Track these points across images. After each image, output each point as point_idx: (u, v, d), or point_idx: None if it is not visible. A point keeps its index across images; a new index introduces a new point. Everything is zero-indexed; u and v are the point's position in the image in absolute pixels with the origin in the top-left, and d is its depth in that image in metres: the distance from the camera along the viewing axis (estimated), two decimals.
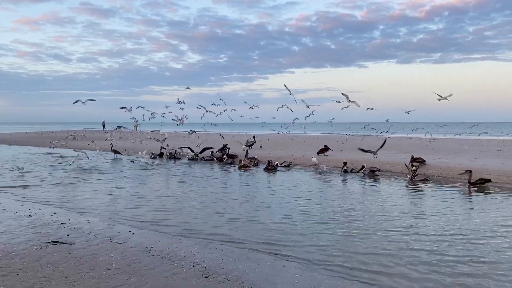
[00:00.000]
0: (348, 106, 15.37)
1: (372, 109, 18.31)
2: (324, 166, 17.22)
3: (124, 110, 19.16)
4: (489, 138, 35.35)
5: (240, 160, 19.31)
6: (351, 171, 16.11)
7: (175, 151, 23.47)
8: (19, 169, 15.97)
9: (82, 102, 17.18)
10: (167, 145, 23.96)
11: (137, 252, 6.36)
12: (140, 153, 21.97)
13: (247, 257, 6.21)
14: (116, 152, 23.53)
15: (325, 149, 20.34)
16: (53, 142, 26.11)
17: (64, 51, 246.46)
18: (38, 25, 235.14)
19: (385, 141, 16.50)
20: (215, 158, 21.27)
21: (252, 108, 21.67)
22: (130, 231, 7.62)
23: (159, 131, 26.10)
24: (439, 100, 12.65)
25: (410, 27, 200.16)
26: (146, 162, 19.01)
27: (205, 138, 25.61)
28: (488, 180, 12.55)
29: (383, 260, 6.01)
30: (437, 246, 6.68)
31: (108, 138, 26.03)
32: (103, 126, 55.79)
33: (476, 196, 11.26)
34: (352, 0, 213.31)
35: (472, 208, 9.61)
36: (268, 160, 18.12)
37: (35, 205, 9.89)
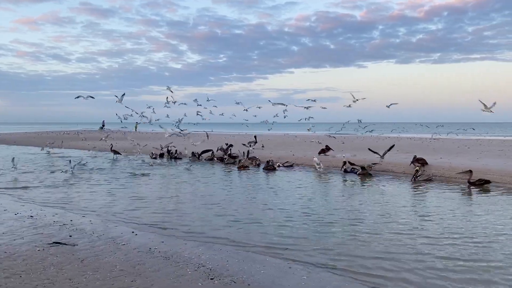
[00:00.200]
0: (350, 105, 15.35)
1: (396, 103, 18.03)
2: (321, 165, 17.26)
3: (116, 101, 18.86)
4: (489, 138, 35.38)
5: (240, 160, 19.29)
6: (351, 171, 16.06)
7: (176, 151, 23.39)
8: (13, 165, 15.97)
9: (84, 98, 17.35)
10: (169, 145, 23.87)
11: (141, 253, 6.29)
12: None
13: (252, 259, 6.14)
14: (115, 152, 23.42)
15: (327, 149, 20.27)
16: (48, 143, 26.21)
17: (64, 51, 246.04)
18: (38, 25, 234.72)
19: (393, 145, 16.35)
20: (215, 158, 21.21)
21: (247, 110, 21.88)
22: (133, 232, 7.55)
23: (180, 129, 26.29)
24: (483, 111, 12.32)
25: (409, 27, 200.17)
26: (146, 162, 18.95)
27: (203, 138, 25.44)
28: (488, 181, 12.53)
29: (390, 264, 5.91)
30: (443, 249, 6.57)
31: (102, 139, 26.02)
32: (103, 126, 55.70)
33: (480, 196, 11.19)
34: (352, 0, 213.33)
35: (477, 209, 9.51)
36: (267, 160, 18.12)
37: (36, 206, 9.82)
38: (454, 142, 28.16)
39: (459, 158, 17.33)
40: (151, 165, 18.36)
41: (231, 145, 22.76)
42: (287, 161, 18.64)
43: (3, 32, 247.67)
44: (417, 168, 14.34)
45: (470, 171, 12.88)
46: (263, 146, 25.14)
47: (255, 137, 23.95)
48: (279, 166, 17.84)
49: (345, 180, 14.44)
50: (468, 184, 12.65)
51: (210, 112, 22.48)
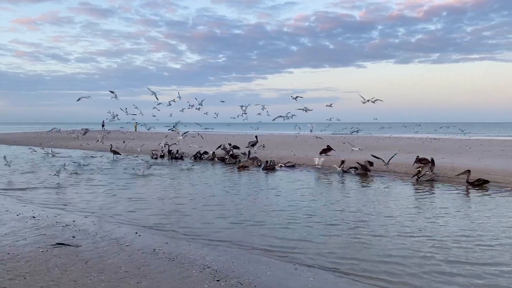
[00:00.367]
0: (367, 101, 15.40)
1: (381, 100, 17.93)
2: (320, 165, 17.37)
3: (111, 97, 18.76)
4: (489, 138, 35.38)
5: (239, 160, 19.28)
6: (348, 170, 16.08)
7: (177, 151, 23.33)
8: (6, 163, 15.97)
9: (86, 98, 17.33)
10: (163, 147, 23.84)
11: (145, 254, 6.24)
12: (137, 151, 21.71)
13: (257, 260, 6.09)
14: (115, 152, 23.35)
15: (328, 149, 20.24)
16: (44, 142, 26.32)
17: (63, 51, 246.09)
18: (37, 25, 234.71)
19: (395, 154, 16.25)
20: (216, 158, 21.16)
21: (241, 116, 22.06)
22: (136, 233, 7.51)
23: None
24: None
25: (409, 27, 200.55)
26: (147, 161, 18.86)
27: (201, 139, 25.46)
28: (487, 181, 12.53)
29: (395, 267, 5.81)
30: (450, 252, 6.49)
31: (99, 140, 25.98)
32: (103, 126, 55.57)
33: (485, 197, 11.13)
34: (351, 0, 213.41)
35: (483, 211, 9.42)
36: (266, 160, 18.14)
37: (38, 207, 9.76)
38: (455, 142, 28.16)
39: (461, 159, 17.30)
40: (148, 166, 17.88)
41: (235, 146, 22.67)
42: (289, 161, 18.60)
43: (2, 32, 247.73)
44: (420, 168, 14.30)
45: (468, 171, 12.88)
46: (263, 146, 25.09)
47: (256, 137, 23.87)
48: (281, 166, 17.82)
49: (348, 181, 14.39)
50: (466, 184, 12.65)
51: (201, 110, 22.62)
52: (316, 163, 17.71)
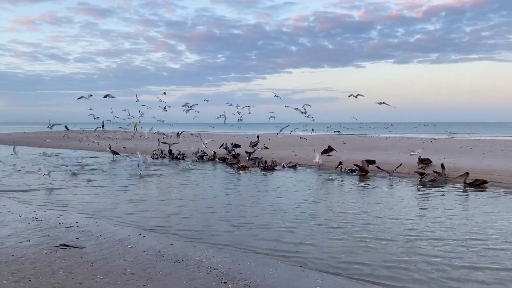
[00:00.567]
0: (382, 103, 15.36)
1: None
2: (321, 161, 17.39)
3: (107, 97, 18.67)
4: (490, 138, 35.37)
5: (239, 161, 19.27)
6: (346, 170, 16.08)
7: (179, 151, 23.25)
8: (14, 152, 15.96)
9: (86, 98, 17.36)
10: (159, 147, 23.85)
11: (151, 256, 6.18)
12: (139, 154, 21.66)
13: (264, 262, 6.03)
14: (114, 152, 23.26)
15: (329, 149, 20.16)
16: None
17: (62, 51, 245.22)
18: (36, 25, 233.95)
19: (400, 164, 16.07)
20: (217, 158, 21.10)
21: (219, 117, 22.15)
22: (140, 234, 7.45)
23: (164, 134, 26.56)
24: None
25: (408, 27, 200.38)
26: (144, 162, 18.84)
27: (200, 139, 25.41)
28: (485, 182, 12.59)
29: (400, 271, 5.74)
30: (458, 255, 6.37)
31: (95, 141, 25.90)
32: (102, 126, 55.47)
33: (489, 197, 11.09)
34: (350, 0, 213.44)
35: (488, 212, 9.34)
36: (265, 160, 18.11)
37: (40, 207, 9.69)
38: (455, 142, 28.12)
39: (463, 159, 17.26)
40: (143, 166, 17.72)
41: (236, 145, 22.65)
42: (290, 162, 18.56)
43: (1, 32, 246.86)
44: (422, 169, 14.27)
45: (467, 173, 12.98)
46: (266, 147, 25.03)
47: (257, 137, 23.81)
48: (283, 166, 17.82)
49: (349, 181, 14.34)
50: (464, 184, 12.68)
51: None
52: (317, 163, 17.66)
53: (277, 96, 19.54)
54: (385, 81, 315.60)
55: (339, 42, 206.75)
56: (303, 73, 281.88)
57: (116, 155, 23.16)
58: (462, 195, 11.46)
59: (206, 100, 25.72)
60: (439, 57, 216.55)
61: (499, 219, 8.65)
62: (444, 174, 13.98)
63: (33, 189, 12.31)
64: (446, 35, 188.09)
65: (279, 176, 15.46)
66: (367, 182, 13.98)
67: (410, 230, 7.76)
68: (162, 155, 23.38)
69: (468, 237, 7.28)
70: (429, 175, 13.78)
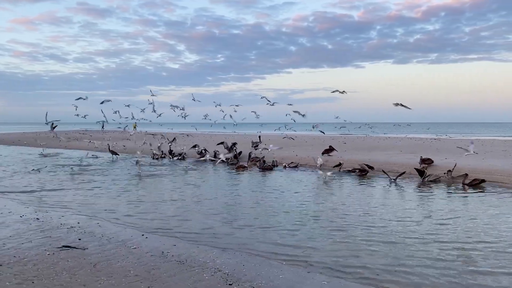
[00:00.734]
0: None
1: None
2: (321, 161, 17.37)
3: (104, 103, 18.55)
4: (489, 138, 35.36)
5: (238, 161, 19.24)
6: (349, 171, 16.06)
7: (181, 153, 23.16)
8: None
9: (83, 99, 17.39)
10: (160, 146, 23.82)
11: (154, 257, 6.13)
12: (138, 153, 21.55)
13: (268, 263, 5.98)
14: (113, 153, 23.19)
15: (330, 149, 20.13)
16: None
17: (61, 51, 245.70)
18: (35, 25, 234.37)
19: (403, 172, 15.96)
20: (217, 159, 21.01)
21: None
22: (143, 235, 7.39)
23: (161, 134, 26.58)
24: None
25: (407, 27, 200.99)
26: (140, 163, 18.79)
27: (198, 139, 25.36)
28: (483, 180, 12.65)
29: (407, 273, 5.69)
30: (464, 258, 6.28)
31: (91, 141, 25.92)
32: (103, 126, 55.37)
33: (491, 198, 11.04)
34: (349, 0, 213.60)
35: (492, 212, 9.32)
36: (264, 160, 18.29)
37: (41, 208, 9.63)
38: (456, 142, 28.05)
39: (464, 159, 17.20)
40: (140, 168, 17.45)
41: (234, 144, 22.63)
42: (291, 162, 18.52)
43: (0, 32, 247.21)
44: (423, 169, 14.22)
45: (466, 174, 13.09)
46: (266, 148, 24.96)
47: (259, 137, 23.79)
48: (285, 167, 17.81)
49: (350, 182, 14.29)
50: (462, 185, 12.77)
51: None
52: (318, 163, 17.61)
53: (269, 102, 19.65)
54: (385, 81, 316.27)
55: (338, 42, 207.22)
56: (302, 73, 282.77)
57: (116, 155, 23.09)
58: (466, 196, 11.41)
59: (194, 100, 25.40)
60: (438, 57, 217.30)
61: (505, 221, 8.56)
62: (451, 176, 13.92)
63: (33, 190, 12.24)
64: (446, 35, 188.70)
65: (280, 176, 15.41)
66: (369, 183, 13.92)
67: (414, 232, 7.69)
68: (162, 155, 23.30)
69: (473, 240, 7.19)
70: (431, 175, 13.73)
